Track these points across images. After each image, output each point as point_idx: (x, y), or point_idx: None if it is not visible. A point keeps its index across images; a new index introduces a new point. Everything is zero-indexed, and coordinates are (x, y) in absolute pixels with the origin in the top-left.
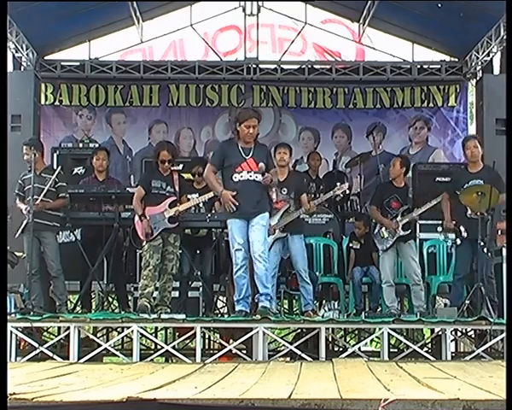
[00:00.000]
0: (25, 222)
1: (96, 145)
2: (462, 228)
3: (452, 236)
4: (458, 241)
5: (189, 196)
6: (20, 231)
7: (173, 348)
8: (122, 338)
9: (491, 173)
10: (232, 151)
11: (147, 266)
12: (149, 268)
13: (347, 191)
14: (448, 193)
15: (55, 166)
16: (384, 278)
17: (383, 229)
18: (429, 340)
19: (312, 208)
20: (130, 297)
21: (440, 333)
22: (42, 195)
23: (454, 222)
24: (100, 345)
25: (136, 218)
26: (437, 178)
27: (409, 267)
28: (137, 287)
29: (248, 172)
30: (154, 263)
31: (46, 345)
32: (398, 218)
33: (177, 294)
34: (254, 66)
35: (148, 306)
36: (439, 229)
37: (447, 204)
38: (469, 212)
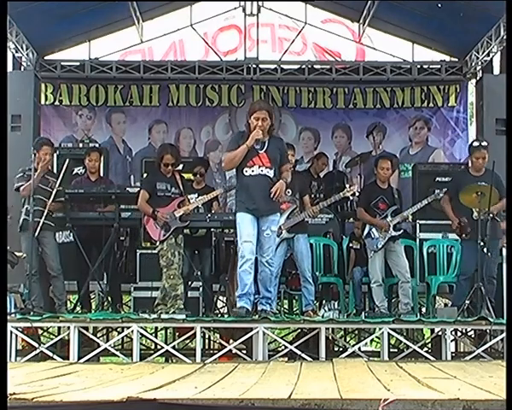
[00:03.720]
0: (42, 220)
1: (96, 145)
2: (468, 228)
3: (454, 236)
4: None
5: (188, 197)
6: (38, 229)
7: (173, 348)
8: (122, 338)
9: (494, 178)
10: (244, 142)
11: (170, 265)
12: (174, 266)
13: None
14: (449, 194)
15: (55, 167)
16: (373, 278)
17: (373, 230)
18: (429, 340)
19: (317, 213)
20: (130, 297)
21: (440, 333)
22: (51, 199)
23: (458, 222)
24: (100, 345)
25: (146, 218)
26: (437, 178)
27: (399, 265)
28: (137, 287)
29: (260, 167)
30: (177, 261)
31: (46, 345)
32: (389, 219)
33: None
34: (254, 66)
35: (182, 306)
36: (446, 231)
37: (448, 205)
38: (475, 214)
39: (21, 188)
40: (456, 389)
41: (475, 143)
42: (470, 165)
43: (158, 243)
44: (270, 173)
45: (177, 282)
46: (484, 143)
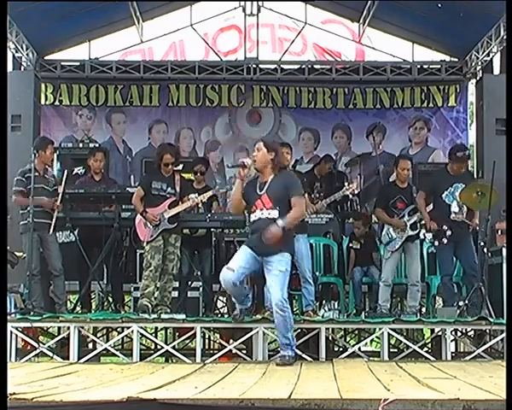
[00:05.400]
0: (54, 219)
1: (96, 145)
2: (445, 229)
3: (430, 236)
4: (436, 243)
5: (188, 196)
6: (52, 228)
7: (173, 348)
8: (122, 338)
9: (470, 177)
10: (249, 188)
11: (148, 267)
12: (150, 269)
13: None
14: (425, 190)
15: (55, 167)
16: (383, 277)
17: (391, 230)
18: (429, 340)
19: (322, 208)
20: (130, 297)
21: (440, 333)
22: (59, 200)
23: (435, 223)
24: (100, 345)
25: (137, 219)
26: None
27: (411, 267)
28: (137, 287)
29: (261, 211)
30: (156, 264)
31: (46, 345)
32: (406, 218)
33: (176, 294)
34: (254, 66)
35: (149, 305)
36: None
37: (423, 202)
38: (453, 215)
39: (15, 200)
40: (456, 389)
41: (459, 154)
42: (450, 167)
43: (145, 244)
44: (274, 214)
45: (149, 283)
46: (467, 153)
